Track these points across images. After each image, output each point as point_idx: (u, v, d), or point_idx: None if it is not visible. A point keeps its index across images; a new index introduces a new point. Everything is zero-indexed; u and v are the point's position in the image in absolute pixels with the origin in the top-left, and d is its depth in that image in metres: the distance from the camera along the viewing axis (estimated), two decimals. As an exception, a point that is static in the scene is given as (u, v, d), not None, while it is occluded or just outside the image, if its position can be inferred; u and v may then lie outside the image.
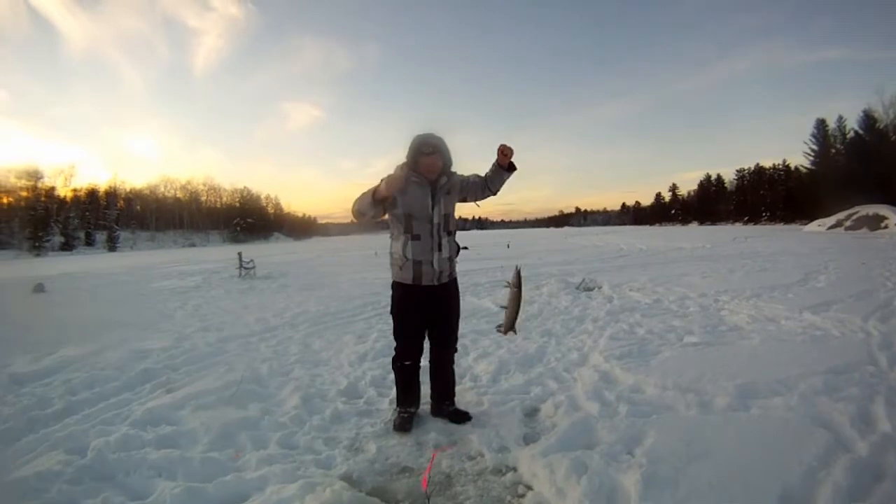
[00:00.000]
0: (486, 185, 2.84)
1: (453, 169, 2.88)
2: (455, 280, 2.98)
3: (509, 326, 2.86)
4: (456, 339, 3.06)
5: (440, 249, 2.79)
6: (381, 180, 2.67)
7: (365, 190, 2.73)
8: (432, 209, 2.75)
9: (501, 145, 2.69)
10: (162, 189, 75.93)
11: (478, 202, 2.95)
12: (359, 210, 2.72)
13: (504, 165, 2.75)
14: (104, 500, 2.06)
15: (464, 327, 5.38)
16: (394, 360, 3.01)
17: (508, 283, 2.85)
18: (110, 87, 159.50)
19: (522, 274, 2.83)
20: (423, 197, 2.75)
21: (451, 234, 2.86)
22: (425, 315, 2.89)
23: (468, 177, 2.88)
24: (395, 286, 2.91)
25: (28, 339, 5.39)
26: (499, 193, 2.89)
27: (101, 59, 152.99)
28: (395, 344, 2.99)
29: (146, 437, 2.74)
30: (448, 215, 2.83)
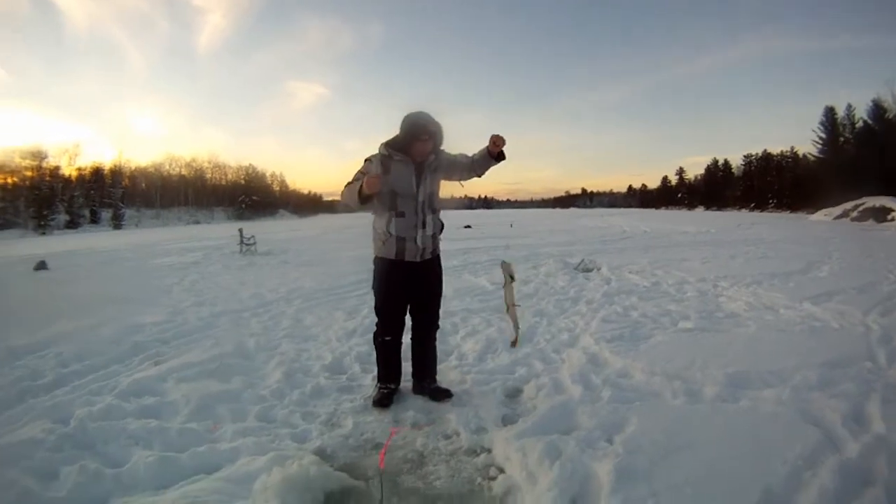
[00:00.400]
0: (473, 168, 2.84)
1: (443, 147, 2.85)
2: (438, 257, 2.97)
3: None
4: (438, 317, 3.06)
5: (424, 227, 2.79)
6: (363, 170, 2.73)
7: (351, 179, 2.77)
8: (417, 188, 2.75)
9: (495, 136, 2.68)
10: (167, 167, 74.71)
11: (462, 182, 2.95)
12: (346, 205, 2.75)
13: (494, 154, 2.74)
14: (81, 467, 2.07)
15: (456, 305, 5.37)
16: (375, 336, 3.00)
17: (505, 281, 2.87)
18: (114, 67, 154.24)
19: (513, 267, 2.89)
20: (408, 175, 2.74)
21: (435, 211, 2.87)
22: (407, 291, 2.88)
23: (455, 156, 2.86)
24: (378, 261, 2.90)
25: (27, 314, 5.44)
26: (484, 176, 2.90)
27: (103, 39, 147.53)
28: (376, 319, 2.99)
29: (128, 407, 2.77)
30: (433, 193, 2.83)
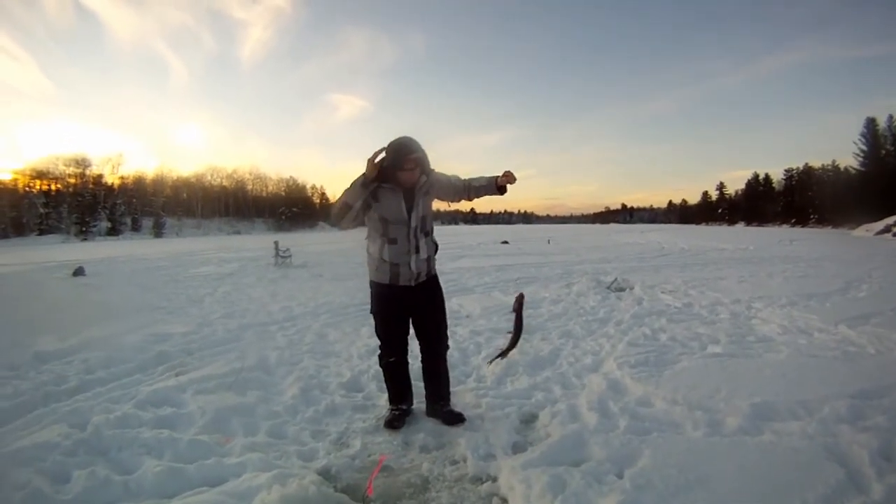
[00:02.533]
0: (468, 191, 2.82)
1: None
2: (434, 278, 2.94)
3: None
4: (446, 338, 3.01)
5: (418, 251, 2.77)
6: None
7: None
8: (409, 213, 2.73)
9: (509, 173, 2.69)
10: (208, 177, 76.43)
11: (450, 202, 2.97)
12: (345, 202, 2.71)
13: (500, 185, 2.74)
14: (91, 472, 2.14)
15: (483, 324, 5.31)
16: (380, 358, 2.99)
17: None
18: (158, 78, 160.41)
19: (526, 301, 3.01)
20: (398, 202, 2.72)
21: (428, 234, 2.84)
22: (406, 314, 2.89)
23: (449, 177, 2.85)
24: (373, 285, 2.90)
25: (60, 320, 5.62)
26: (473, 201, 2.93)
27: (147, 51, 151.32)
28: (379, 342, 2.99)
29: (145, 416, 2.82)
30: (425, 217, 2.81)
